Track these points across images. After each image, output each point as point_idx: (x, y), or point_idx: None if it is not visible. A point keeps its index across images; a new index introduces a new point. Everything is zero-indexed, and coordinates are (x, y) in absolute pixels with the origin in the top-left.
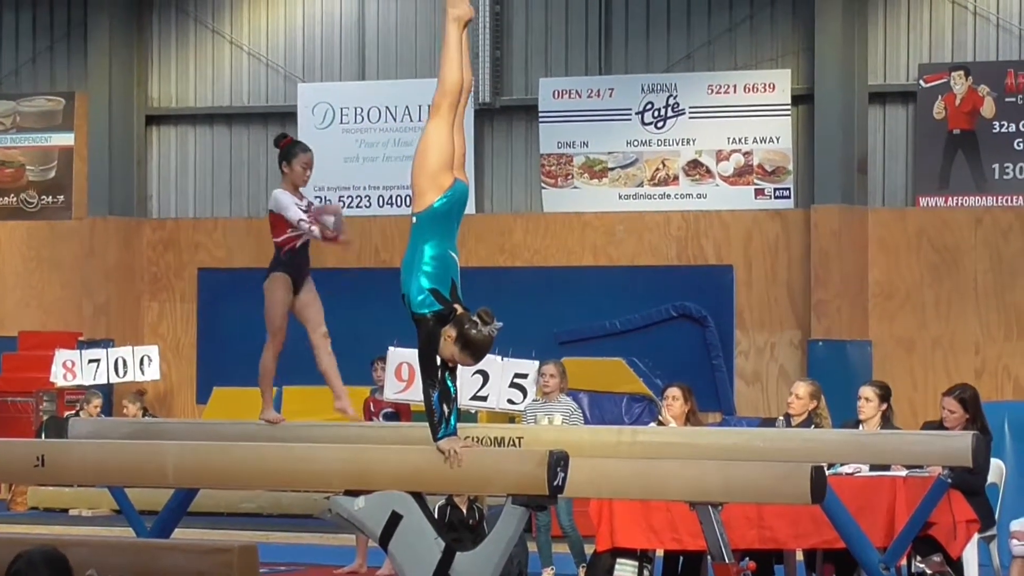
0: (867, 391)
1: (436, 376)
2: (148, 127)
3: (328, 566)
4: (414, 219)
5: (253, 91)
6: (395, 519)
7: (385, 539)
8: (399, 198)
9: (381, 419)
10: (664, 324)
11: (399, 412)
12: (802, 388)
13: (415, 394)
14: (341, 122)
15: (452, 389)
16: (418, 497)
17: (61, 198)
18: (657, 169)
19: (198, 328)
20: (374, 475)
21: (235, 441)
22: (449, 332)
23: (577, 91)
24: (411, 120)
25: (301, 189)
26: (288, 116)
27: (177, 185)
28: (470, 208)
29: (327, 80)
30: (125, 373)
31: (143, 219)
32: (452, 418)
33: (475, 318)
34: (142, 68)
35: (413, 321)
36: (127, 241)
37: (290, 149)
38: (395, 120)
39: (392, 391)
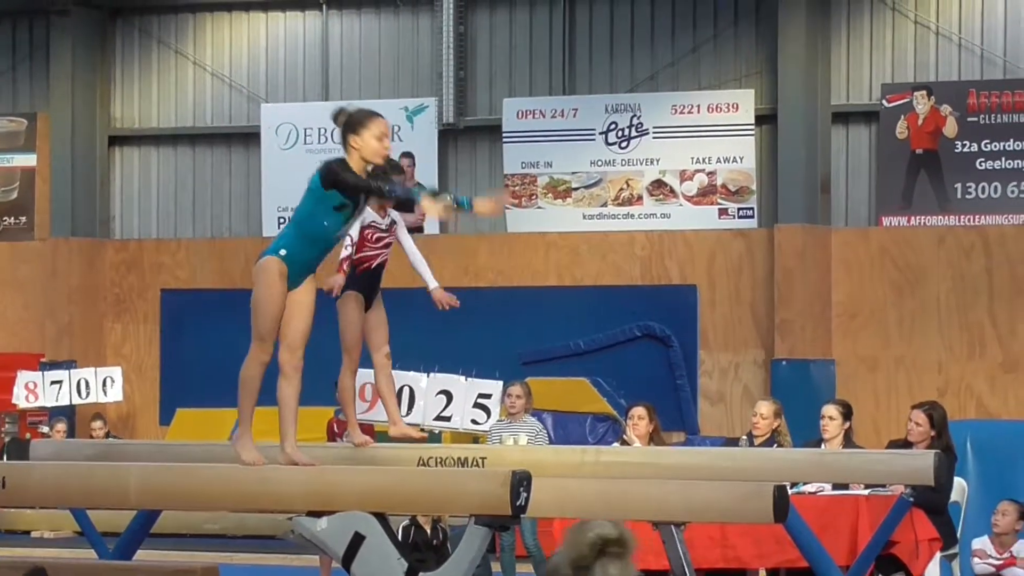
0: (831, 410)
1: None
2: (111, 148)
3: None
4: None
5: (216, 112)
6: (358, 540)
7: (348, 560)
8: None
9: (345, 440)
10: (628, 344)
11: (363, 432)
12: (765, 407)
13: (379, 414)
14: (305, 143)
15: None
16: (381, 518)
17: (24, 219)
18: (621, 189)
19: (161, 349)
20: (337, 496)
21: (198, 462)
22: (352, 142)
23: (541, 111)
24: None
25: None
26: (252, 137)
27: (140, 206)
28: (434, 228)
29: (290, 100)
30: (88, 395)
31: (106, 240)
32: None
33: None
34: (105, 89)
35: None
36: (90, 262)
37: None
38: None
39: (357, 411)
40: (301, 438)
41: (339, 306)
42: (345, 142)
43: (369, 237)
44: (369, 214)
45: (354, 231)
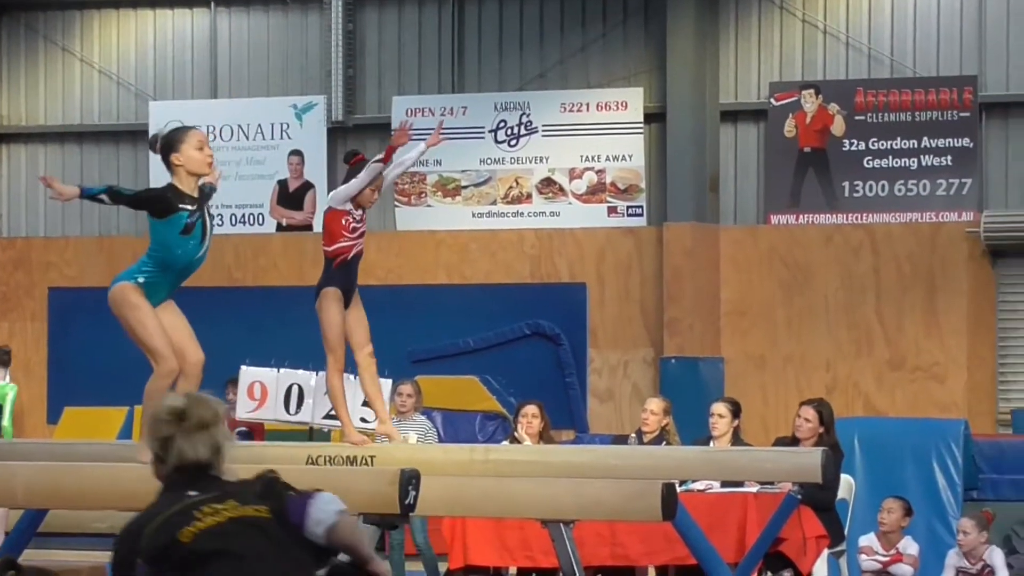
0: (720, 408)
1: None
2: None
3: None
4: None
5: (104, 109)
6: None
7: None
8: (252, 216)
9: (235, 439)
10: (518, 342)
11: (252, 431)
12: (656, 404)
13: (268, 413)
14: None
15: None
16: None
17: None
18: (510, 187)
19: (49, 348)
20: None
21: (86, 461)
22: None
23: (430, 109)
24: (263, 138)
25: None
26: (140, 134)
27: (27, 203)
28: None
29: (179, 98)
30: None
31: None
32: None
33: None
34: None
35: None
36: None
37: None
38: (247, 138)
39: (245, 410)
40: None
41: (319, 306)
42: (168, 164)
43: (346, 226)
44: (338, 201)
45: (343, 199)
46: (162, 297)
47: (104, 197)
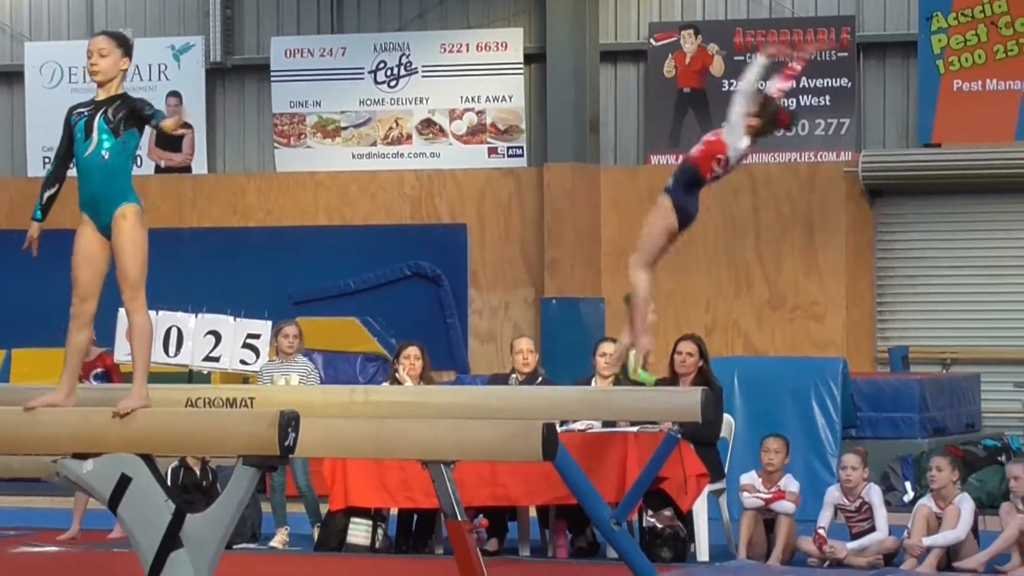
0: (609, 347)
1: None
2: None
3: (60, 530)
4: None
5: None
6: (124, 482)
7: (114, 502)
8: None
9: (92, 381)
10: (398, 283)
11: (110, 373)
12: (527, 343)
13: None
14: (70, 81)
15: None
16: (148, 459)
17: None
18: (390, 128)
19: None
20: (103, 438)
21: None
22: None
23: (309, 50)
24: (141, 80)
25: None
26: (15, 76)
27: None
28: (202, 168)
29: (55, 39)
30: None
31: None
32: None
33: None
34: None
35: None
36: None
37: None
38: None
39: (123, 352)
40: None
41: None
42: None
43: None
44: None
45: None
46: (88, 210)
47: (54, 190)
